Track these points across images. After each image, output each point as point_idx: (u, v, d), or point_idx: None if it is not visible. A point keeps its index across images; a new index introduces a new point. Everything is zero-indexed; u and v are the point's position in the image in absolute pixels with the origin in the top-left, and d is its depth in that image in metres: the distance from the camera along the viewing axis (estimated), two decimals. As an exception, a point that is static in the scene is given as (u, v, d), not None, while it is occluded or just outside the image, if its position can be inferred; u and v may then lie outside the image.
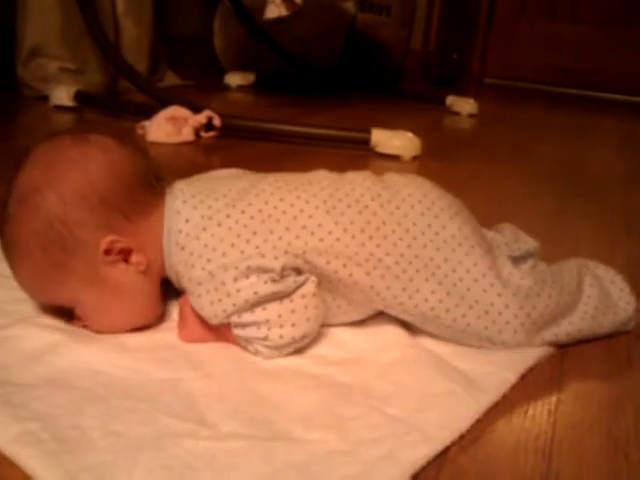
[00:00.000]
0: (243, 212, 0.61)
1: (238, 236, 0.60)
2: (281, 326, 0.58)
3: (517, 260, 0.71)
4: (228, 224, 0.60)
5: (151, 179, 0.63)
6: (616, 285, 0.70)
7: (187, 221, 0.61)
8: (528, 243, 0.75)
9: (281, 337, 0.58)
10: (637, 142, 2.13)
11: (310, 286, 0.59)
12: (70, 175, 0.59)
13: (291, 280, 0.58)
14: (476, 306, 0.62)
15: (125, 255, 0.60)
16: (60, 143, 0.61)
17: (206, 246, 0.59)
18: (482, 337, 0.63)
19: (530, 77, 3.33)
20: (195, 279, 0.59)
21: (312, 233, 0.61)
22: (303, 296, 0.59)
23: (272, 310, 0.58)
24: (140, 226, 0.61)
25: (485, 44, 3.39)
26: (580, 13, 3.19)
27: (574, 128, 2.24)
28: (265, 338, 0.58)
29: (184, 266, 0.60)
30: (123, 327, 0.62)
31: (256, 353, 0.59)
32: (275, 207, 0.62)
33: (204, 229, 0.60)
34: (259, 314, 0.57)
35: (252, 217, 0.61)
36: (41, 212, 0.58)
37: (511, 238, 0.74)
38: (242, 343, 0.60)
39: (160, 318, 0.65)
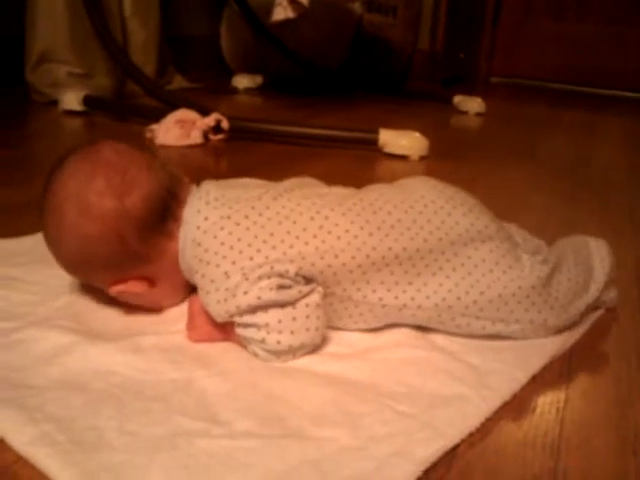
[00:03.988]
0: (261, 214, 0.63)
1: (255, 237, 0.61)
2: (280, 332, 0.58)
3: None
4: (246, 224, 0.62)
5: (155, 215, 0.63)
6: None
7: (206, 219, 0.63)
8: (535, 241, 0.76)
9: (278, 343, 0.58)
10: (643, 139, 2.13)
11: (315, 297, 0.60)
12: (67, 244, 0.63)
13: (296, 290, 0.59)
14: (488, 291, 0.63)
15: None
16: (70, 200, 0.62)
17: (223, 244, 0.61)
18: (495, 319, 0.64)
19: (536, 75, 3.33)
20: (209, 276, 0.60)
21: (329, 232, 0.62)
22: (307, 305, 0.59)
23: (273, 315, 0.58)
24: (148, 257, 0.64)
25: (492, 43, 3.39)
26: (585, 12, 3.19)
27: (580, 125, 2.24)
28: (262, 341, 0.58)
29: (198, 262, 0.61)
30: (160, 308, 0.68)
31: (255, 355, 0.60)
32: (292, 210, 0.63)
33: (222, 228, 0.62)
34: (260, 317, 0.58)
35: (269, 219, 0.62)
36: (60, 261, 0.66)
37: (519, 238, 0.75)
38: (243, 343, 0.61)
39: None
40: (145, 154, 0.67)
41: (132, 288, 0.64)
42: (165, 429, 0.49)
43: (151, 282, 0.65)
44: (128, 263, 0.63)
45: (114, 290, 0.64)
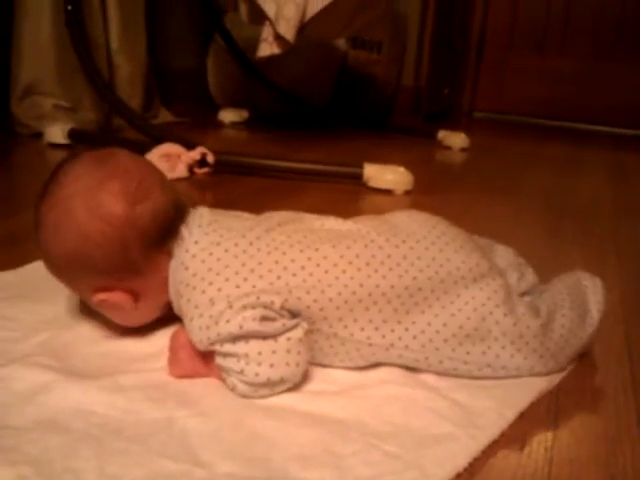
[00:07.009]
0: (251, 244, 0.63)
1: (243, 265, 0.61)
2: (259, 364, 0.57)
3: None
4: (234, 252, 0.62)
5: (160, 230, 0.63)
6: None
7: (196, 243, 0.63)
8: (529, 280, 0.76)
9: (256, 375, 0.57)
10: (625, 172, 2.15)
11: (298, 332, 0.59)
12: (65, 238, 0.61)
13: (280, 323, 0.58)
14: (474, 334, 0.63)
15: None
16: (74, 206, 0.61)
17: (210, 270, 0.60)
18: (482, 364, 0.63)
19: (520, 110, 3.37)
20: (194, 302, 0.60)
21: (317, 265, 0.62)
22: (288, 339, 0.58)
23: (254, 346, 0.57)
24: (142, 271, 0.63)
25: (475, 79, 3.43)
26: (567, 47, 3.24)
27: (563, 160, 2.26)
28: (241, 372, 0.57)
29: (185, 286, 0.61)
30: (131, 325, 0.68)
31: (232, 388, 0.59)
32: (282, 242, 0.63)
33: (211, 254, 0.61)
34: (240, 347, 0.57)
35: (259, 249, 0.62)
36: (50, 256, 0.64)
37: (515, 277, 0.75)
38: (222, 375, 0.60)
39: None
40: (158, 169, 0.67)
41: (116, 299, 0.63)
42: (145, 471, 0.48)
43: (136, 297, 0.64)
44: (122, 272, 0.62)
45: (97, 298, 0.63)
